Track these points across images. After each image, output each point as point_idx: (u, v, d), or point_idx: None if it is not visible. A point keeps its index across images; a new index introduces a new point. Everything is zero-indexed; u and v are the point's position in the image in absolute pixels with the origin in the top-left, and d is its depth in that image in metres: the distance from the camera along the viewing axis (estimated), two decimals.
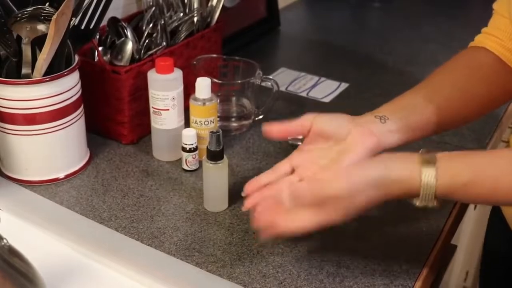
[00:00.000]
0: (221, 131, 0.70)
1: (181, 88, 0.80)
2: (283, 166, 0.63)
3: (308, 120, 0.63)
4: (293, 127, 0.63)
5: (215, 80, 0.84)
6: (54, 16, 0.67)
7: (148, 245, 0.67)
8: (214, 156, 0.70)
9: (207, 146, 0.70)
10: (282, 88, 1.01)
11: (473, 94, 0.67)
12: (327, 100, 1.01)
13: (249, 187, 0.63)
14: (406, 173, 0.54)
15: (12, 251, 0.52)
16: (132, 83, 0.82)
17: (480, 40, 0.70)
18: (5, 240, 0.51)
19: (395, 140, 0.62)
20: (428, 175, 0.53)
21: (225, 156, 0.71)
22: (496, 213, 0.77)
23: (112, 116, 0.84)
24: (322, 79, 1.07)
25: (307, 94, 1.02)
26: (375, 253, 0.67)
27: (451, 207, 0.76)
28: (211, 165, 0.70)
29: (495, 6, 0.70)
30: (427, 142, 0.84)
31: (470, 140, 0.90)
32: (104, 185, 0.77)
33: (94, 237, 0.67)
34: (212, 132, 0.69)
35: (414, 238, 0.70)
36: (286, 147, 0.85)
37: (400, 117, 0.63)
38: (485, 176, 0.53)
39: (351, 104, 0.99)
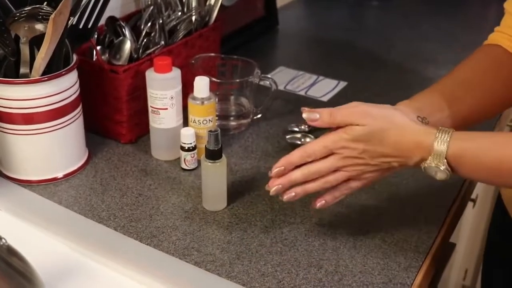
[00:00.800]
0: (219, 130, 0.70)
1: (179, 87, 0.80)
2: (316, 146, 0.62)
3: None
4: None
5: (213, 79, 0.84)
6: (52, 16, 0.67)
7: (147, 244, 0.67)
8: (213, 155, 0.70)
9: (205, 145, 0.70)
10: (281, 87, 1.01)
11: (496, 94, 0.68)
12: (325, 99, 1.01)
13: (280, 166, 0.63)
14: (422, 131, 0.58)
15: (10, 251, 0.52)
16: (131, 83, 0.82)
17: (495, 38, 0.71)
18: (3, 240, 0.51)
19: None
20: (441, 140, 0.56)
21: (223, 155, 0.71)
22: (499, 207, 0.77)
23: (110, 116, 0.84)
24: (321, 77, 1.07)
25: (305, 93, 1.03)
26: (374, 251, 0.67)
27: (450, 204, 0.76)
28: (209, 164, 0.70)
29: (506, 5, 0.71)
30: None
31: None
32: (102, 185, 0.77)
33: (92, 237, 0.68)
34: (210, 131, 0.69)
35: (413, 236, 0.70)
36: (285, 146, 0.86)
37: (438, 123, 0.63)
38: (490, 154, 0.56)
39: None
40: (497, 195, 0.80)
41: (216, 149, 0.70)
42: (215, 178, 0.71)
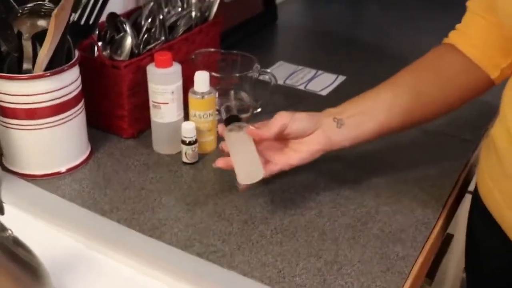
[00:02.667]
0: (233, 103, 0.71)
1: (180, 82, 0.80)
2: None
3: (284, 124, 0.68)
4: (272, 127, 0.68)
5: (213, 73, 0.84)
6: (55, 11, 0.67)
7: (149, 236, 0.67)
8: (233, 119, 0.71)
9: (223, 119, 0.72)
10: (280, 82, 1.02)
11: (433, 97, 0.71)
12: (324, 93, 1.01)
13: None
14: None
15: (16, 242, 0.52)
16: (132, 78, 0.83)
17: (452, 37, 0.73)
18: (9, 231, 0.52)
19: (346, 145, 0.71)
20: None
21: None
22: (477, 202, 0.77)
23: (112, 111, 0.85)
24: (320, 72, 1.08)
25: (305, 87, 1.03)
26: (372, 241, 0.68)
27: (447, 195, 0.77)
28: (233, 132, 0.70)
29: (469, 3, 0.72)
30: (422, 131, 0.86)
31: (467, 130, 0.91)
32: (105, 179, 0.78)
33: (96, 229, 0.68)
34: (221, 106, 0.72)
35: (411, 226, 0.71)
36: None
37: (357, 123, 0.70)
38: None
39: (349, 97, 0.97)
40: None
41: (234, 115, 0.71)
42: (242, 145, 0.68)
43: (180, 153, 0.81)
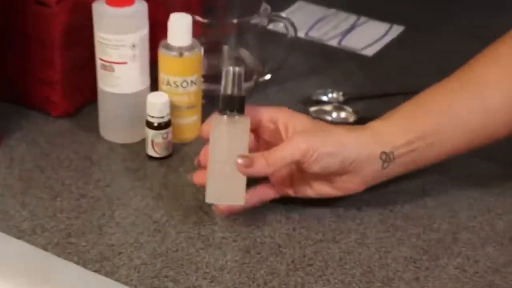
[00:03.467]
0: (243, 71, 0.71)
1: (145, 30, 0.80)
2: None
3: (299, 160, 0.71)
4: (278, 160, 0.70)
5: (197, 18, 0.84)
6: None
7: (95, 271, 0.67)
8: (231, 103, 0.71)
9: (220, 94, 0.71)
10: (301, 33, 1.01)
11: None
12: (369, 52, 1.01)
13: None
14: None
15: None
16: (67, 21, 0.82)
17: None
18: None
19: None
20: None
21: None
22: None
23: (35, 73, 0.84)
24: (363, 19, 1.08)
25: (338, 43, 1.03)
26: (448, 286, 0.68)
27: None
28: (225, 119, 0.71)
29: None
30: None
31: None
32: (23, 180, 0.77)
33: (8, 259, 0.68)
34: (228, 68, 0.71)
35: (510, 264, 0.71)
36: None
37: (418, 156, 0.74)
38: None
39: (407, 59, 1.00)
40: None
41: (236, 95, 0.71)
42: (233, 145, 0.71)
43: (143, 142, 0.81)
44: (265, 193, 0.74)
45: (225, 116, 0.71)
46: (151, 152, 0.81)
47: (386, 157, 0.72)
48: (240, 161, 0.69)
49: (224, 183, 0.70)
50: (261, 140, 0.75)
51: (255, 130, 0.74)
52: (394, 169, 0.73)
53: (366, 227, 0.74)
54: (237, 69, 0.71)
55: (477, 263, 0.71)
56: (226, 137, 0.71)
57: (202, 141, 0.77)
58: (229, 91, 0.71)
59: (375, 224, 0.75)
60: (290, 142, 0.70)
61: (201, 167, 0.74)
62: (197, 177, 0.74)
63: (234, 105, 0.71)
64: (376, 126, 0.74)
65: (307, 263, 0.70)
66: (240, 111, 0.72)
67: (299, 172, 0.73)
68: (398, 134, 0.73)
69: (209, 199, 0.70)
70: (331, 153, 0.70)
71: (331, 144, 0.70)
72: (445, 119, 0.74)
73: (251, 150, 0.72)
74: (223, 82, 0.71)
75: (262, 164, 0.69)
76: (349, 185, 0.73)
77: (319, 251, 0.71)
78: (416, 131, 0.73)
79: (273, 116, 0.73)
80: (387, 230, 0.74)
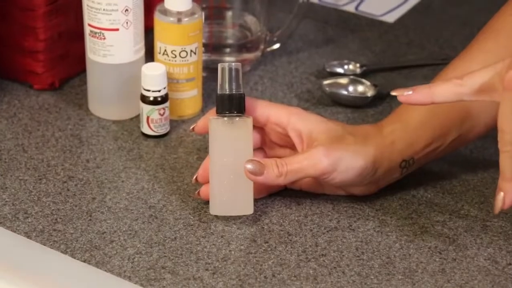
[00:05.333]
0: (240, 66, 0.70)
1: None
2: None
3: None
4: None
5: None
6: None
7: (84, 261, 0.67)
8: (230, 103, 0.70)
9: (217, 93, 0.70)
10: None
11: None
12: (390, 18, 1.01)
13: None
14: None
15: None
16: None
17: None
18: None
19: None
20: None
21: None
22: None
23: (16, 41, 0.85)
24: None
25: (356, 8, 1.03)
26: (478, 278, 0.67)
27: None
28: (224, 121, 0.70)
29: None
30: None
31: None
32: (3, 160, 0.78)
33: None
34: (224, 64, 0.70)
35: None
36: (322, 98, 0.88)
37: (443, 148, 0.74)
38: None
39: (432, 27, 1.00)
40: None
41: (235, 93, 0.70)
42: (233, 147, 0.70)
43: (137, 118, 0.81)
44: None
45: (224, 118, 0.71)
46: (146, 130, 0.80)
47: (406, 164, 0.73)
48: (249, 166, 0.68)
49: (229, 192, 0.71)
50: (266, 139, 0.75)
51: (258, 129, 0.73)
52: (410, 169, 0.74)
53: (385, 213, 0.73)
54: (233, 65, 0.70)
55: (509, 253, 0.70)
56: (227, 142, 0.71)
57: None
58: (226, 90, 0.70)
59: (395, 210, 0.74)
60: (310, 155, 0.69)
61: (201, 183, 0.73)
62: (202, 192, 0.72)
63: (233, 105, 0.70)
64: (396, 130, 0.73)
65: (320, 253, 0.69)
66: (240, 111, 0.71)
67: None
68: (418, 137, 0.73)
69: (213, 210, 0.71)
70: (353, 169, 0.70)
71: (353, 160, 0.70)
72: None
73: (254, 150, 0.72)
74: (219, 80, 0.71)
75: (275, 173, 0.68)
76: (363, 189, 0.73)
77: (333, 240, 0.70)
78: (435, 129, 0.73)
79: (282, 121, 0.72)
80: (409, 217, 0.73)
